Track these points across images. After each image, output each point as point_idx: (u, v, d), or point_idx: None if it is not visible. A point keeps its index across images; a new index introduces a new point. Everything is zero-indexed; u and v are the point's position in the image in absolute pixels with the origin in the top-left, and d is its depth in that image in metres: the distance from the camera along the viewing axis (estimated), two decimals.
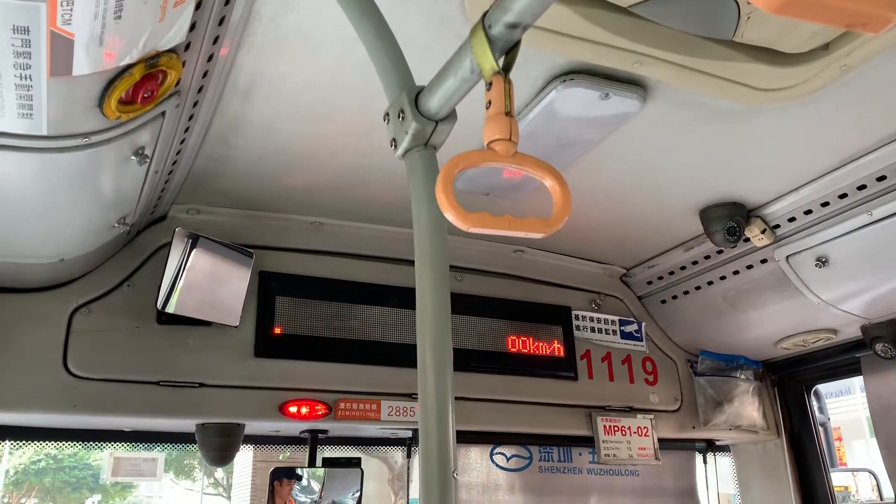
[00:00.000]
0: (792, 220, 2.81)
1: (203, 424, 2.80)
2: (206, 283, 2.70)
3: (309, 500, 3.10)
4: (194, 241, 2.67)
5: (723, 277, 3.23)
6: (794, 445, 3.72)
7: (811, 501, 3.61)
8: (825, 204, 2.69)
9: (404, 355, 2.99)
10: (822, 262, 2.82)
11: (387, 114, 1.52)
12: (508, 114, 1.36)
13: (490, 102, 1.34)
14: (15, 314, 2.51)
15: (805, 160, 2.54)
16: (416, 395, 2.92)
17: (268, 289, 2.90)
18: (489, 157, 1.49)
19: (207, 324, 2.74)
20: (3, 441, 2.92)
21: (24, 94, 1.50)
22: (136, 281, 2.71)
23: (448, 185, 1.42)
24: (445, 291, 1.42)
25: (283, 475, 3.07)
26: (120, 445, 3.20)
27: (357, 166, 2.58)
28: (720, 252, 3.16)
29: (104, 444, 3.17)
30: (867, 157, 2.44)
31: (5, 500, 26.98)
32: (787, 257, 2.91)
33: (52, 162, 1.73)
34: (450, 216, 1.39)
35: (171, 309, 2.60)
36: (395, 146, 1.54)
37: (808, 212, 2.75)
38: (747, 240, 2.93)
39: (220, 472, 26.38)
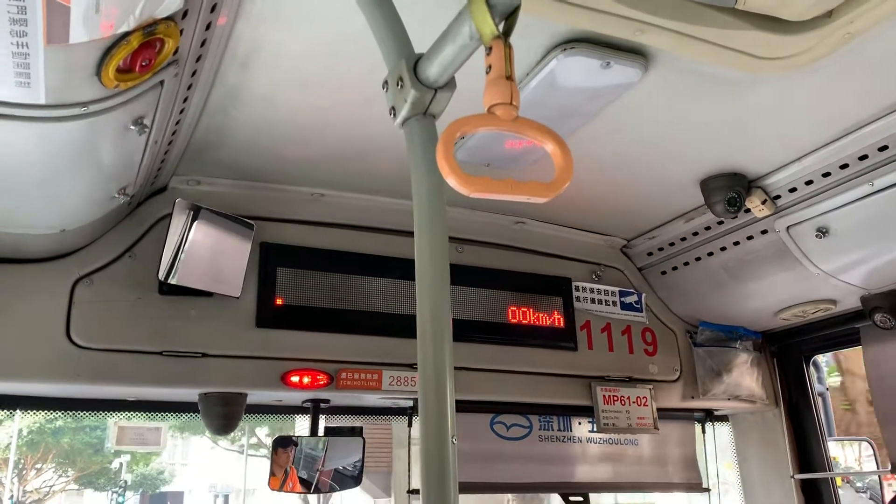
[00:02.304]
0: (793, 190, 2.81)
1: (206, 394, 2.83)
2: (208, 253, 2.71)
3: (312, 468, 3.14)
4: (195, 212, 2.67)
5: (723, 248, 3.24)
6: (792, 415, 3.75)
7: (808, 470, 3.65)
8: (826, 174, 2.68)
9: (405, 326, 3.01)
10: (822, 232, 2.82)
11: (385, 82, 1.51)
12: (509, 78, 1.35)
13: (490, 67, 1.34)
14: (17, 285, 2.52)
15: (807, 130, 2.53)
16: (417, 365, 2.95)
17: (269, 260, 2.91)
18: (490, 122, 1.48)
19: (209, 295, 2.75)
20: (10, 410, 2.95)
21: (21, 63, 1.49)
22: (138, 252, 2.72)
23: (449, 150, 1.41)
24: (444, 260, 1.43)
25: (284, 443, 3.11)
26: (124, 415, 3.24)
27: (357, 137, 2.57)
28: (720, 223, 3.16)
29: (108, 414, 3.20)
30: (869, 126, 2.43)
31: (20, 465, 26.29)
32: (788, 228, 2.91)
33: (51, 131, 1.73)
34: (452, 181, 1.39)
35: (173, 280, 2.61)
36: (394, 115, 1.53)
37: (809, 182, 2.74)
38: (748, 210, 2.93)
39: (263, 432, 26.10)
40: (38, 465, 26.96)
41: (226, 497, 27.40)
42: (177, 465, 32.85)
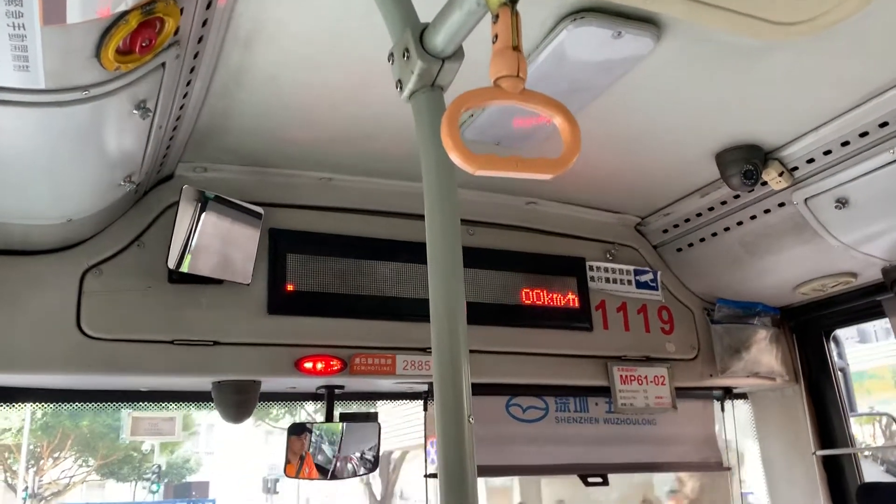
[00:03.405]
0: (811, 161, 2.74)
1: (219, 382, 2.81)
2: (217, 241, 2.69)
3: (327, 455, 3.12)
4: (203, 199, 2.65)
5: (739, 223, 3.18)
6: (813, 391, 3.70)
7: (830, 446, 3.60)
8: (845, 143, 2.61)
9: (418, 310, 2.97)
10: (841, 203, 2.75)
11: (391, 54, 1.47)
12: (516, 48, 1.30)
13: (496, 36, 1.29)
14: (26, 276, 2.50)
15: (825, 98, 2.47)
16: (430, 349, 2.92)
17: (278, 246, 2.88)
18: (496, 95, 1.44)
19: (219, 282, 2.73)
20: (23, 403, 2.95)
21: (18, 45, 1.46)
22: (146, 241, 2.70)
23: (454, 126, 1.37)
24: (456, 237, 1.39)
25: (298, 431, 3.09)
26: (137, 405, 3.23)
27: (364, 117, 2.53)
28: (737, 197, 3.10)
29: (121, 405, 3.20)
30: (889, 92, 2.36)
31: (37, 452, 24.82)
32: (806, 200, 2.85)
33: (52, 117, 1.70)
34: (455, 158, 1.35)
35: (184, 268, 2.59)
36: (401, 88, 1.49)
37: (828, 152, 2.68)
38: (764, 183, 2.86)
39: (312, 407, 25.63)
40: (56, 454, 25.51)
41: (275, 481, 26.92)
42: (202, 454, 31.99)
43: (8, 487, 25.13)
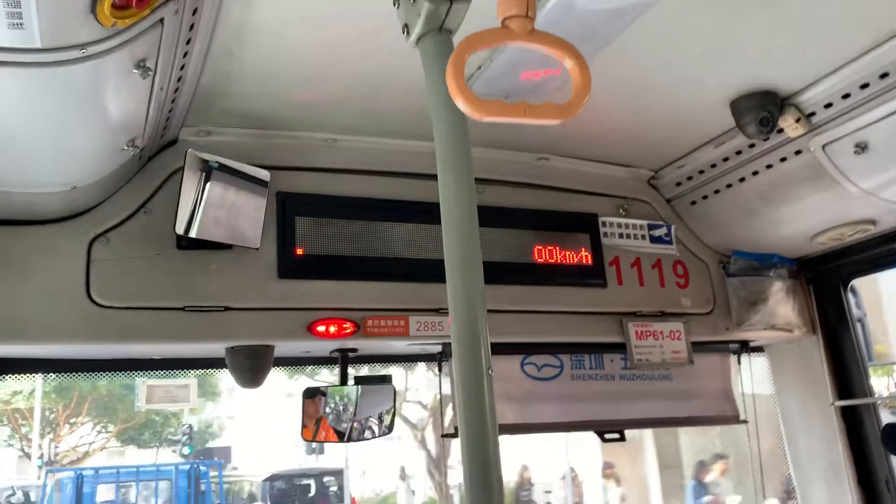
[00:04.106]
0: (828, 105, 2.67)
1: (232, 348, 2.80)
2: (225, 205, 2.65)
3: (344, 418, 3.12)
4: (207, 168, 2.60)
5: (755, 173, 3.11)
6: (830, 342, 3.65)
7: (848, 397, 3.57)
8: (865, 86, 2.54)
9: (429, 271, 2.94)
10: (860, 148, 2.68)
11: None
12: None
13: None
14: (33, 246, 2.48)
15: (842, 38, 2.39)
16: (444, 310, 2.89)
17: (286, 209, 2.85)
18: (504, 36, 1.39)
19: (228, 247, 2.70)
20: (35, 374, 2.95)
21: (11, 2, 1.42)
22: (153, 207, 2.66)
23: (459, 71, 1.32)
24: (469, 180, 1.35)
25: (312, 394, 3.08)
26: (151, 374, 3.23)
27: (368, 73, 2.48)
28: (752, 146, 3.03)
29: (135, 374, 3.19)
30: None
31: (50, 418, 23.88)
32: (824, 146, 2.78)
33: (50, 77, 1.66)
34: (461, 104, 1.30)
35: (192, 233, 2.56)
36: (408, 32, 1.44)
37: (847, 95, 2.60)
38: (780, 130, 2.80)
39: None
40: (73, 420, 24.39)
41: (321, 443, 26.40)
42: (223, 418, 30.75)
43: (24, 456, 24.65)
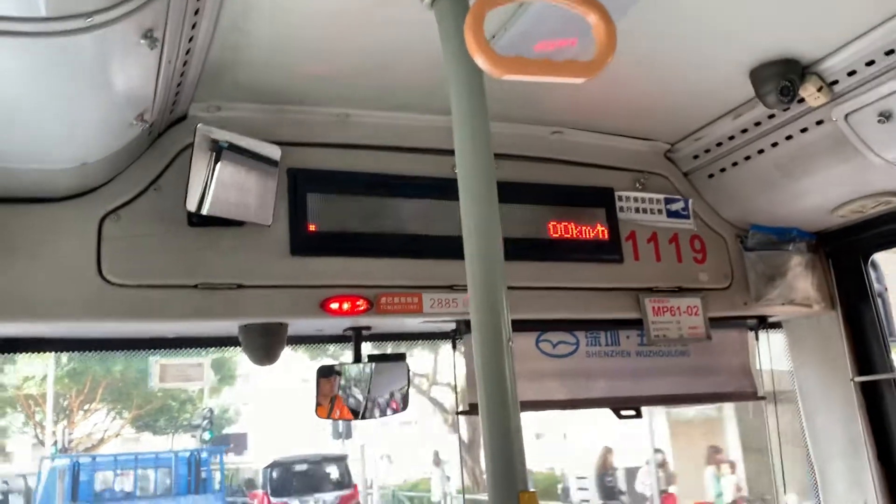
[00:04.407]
0: (852, 73, 2.60)
1: (245, 326, 2.78)
2: (235, 182, 2.62)
3: (358, 396, 3.10)
4: (217, 147, 2.56)
5: (774, 144, 3.05)
6: (850, 317, 3.60)
7: (868, 373, 3.52)
8: (890, 52, 2.46)
9: (444, 247, 2.90)
10: (884, 117, 2.61)
11: None
12: None
13: None
14: (44, 224, 2.46)
15: (867, 4, 2.32)
16: (458, 287, 2.85)
17: (297, 186, 2.81)
18: None
19: (239, 224, 2.67)
20: (47, 352, 2.95)
21: None
22: (163, 184, 2.64)
23: (478, 26, 1.27)
24: (487, 145, 1.31)
25: (327, 373, 3.07)
26: (163, 352, 3.22)
27: (378, 47, 2.43)
28: (771, 117, 2.96)
29: (146, 352, 3.18)
30: None
31: (63, 404, 23.27)
32: (846, 116, 2.71)
33: (56, 48, 1.62)
34: (481, 61, 1.26)
35: (204, 210, 2.53)
36: None
37: (871, 63, 2.53)
38: (801, 100, 2.73)
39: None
40: (87, 406, 23.73)
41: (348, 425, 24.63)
42: (238, 405, 30.13)
43: (38, 443, 24.33)
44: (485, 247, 1.30)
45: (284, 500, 19.89)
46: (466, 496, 19.38)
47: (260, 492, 20.63)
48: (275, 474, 20.58)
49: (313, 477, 20.90)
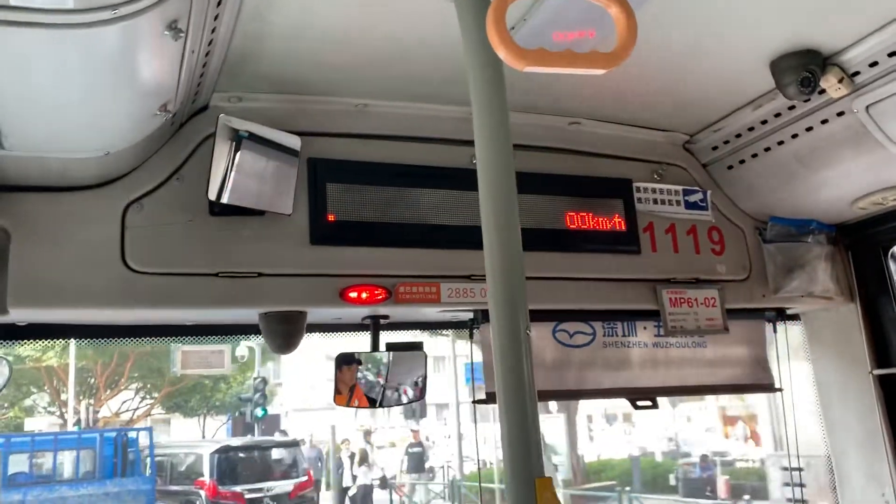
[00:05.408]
0: (874, 64, 2.58)
1: (266, 314, 2.81)
2: (256, 172, 2.65)
3: (375, 384, 3.14)
4: (237, 138, 2.59)
5: (794, 136, 3.03)
6: (869, 310, 3.58)
7: (888, 365, 3.50)
8: None
9: (462, 237, 2.92)
10: None
11: None
12: None
13: None
14: (69, 213, 2.51)
15: None
16: (476, 276, 2.88)
17: (317, 175, 2.84)
18: None
19: (260, 213, 2.71)
20: (70, 339, 3.00)
21: None
22: (185, 174, 2.67)
23: (501, 19, 1.29)
24: (506, 135, 1.33)
25: (347, 361, 3.10)
26: (184, 339, 3.27)
27: (397, 37, 2.45)
28: (791, 108, 2.95)
29: (168, 339, 3.23)
30: None
31: (90, 381, 21.84)
32: (867, 107, 2.69)
33: (83, 39, 1.66)
34: (503, 54, 1.27)
35: (225, 199, 2.56)
36: None
37: (893, 54, 2.51)
38: (822, 91, 2.71)
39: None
40: (115, 381, 21.97)
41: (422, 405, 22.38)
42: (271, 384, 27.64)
43: (62, 423, 23.17)
44: (504, 238, 1.32)
45: (233, 488, 18.55)
46: (483, 485, 19.28)
47: (207, 480, 18.68)
48: (222, 461, 18.95)
49: (264, 464, 19.76)
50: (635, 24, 1.24)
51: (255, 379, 21.04)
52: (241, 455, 19.56)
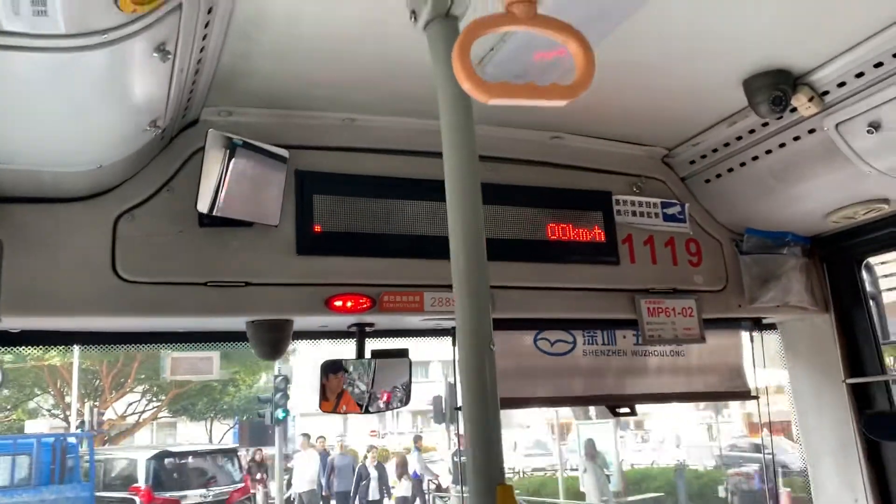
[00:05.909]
0: (842, 84, 2.67)
1: (253, 322, 2.89)
2: (244, 184, 2.72)
3: (361, 390, 3.20)
4: (231, 145, 2.67)
5: (768, 151, 3.12)
6: (843, 320, 3.67)
7: (861, 374, 3.59)
8: (878, 64, 2.54)
9: (444, 248, 2.97)
10: (874, 128, 2.69)
11: None
12: None
13: None
14: (61, 223, 2.58)
15: (857, 17, 2.39)
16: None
17: (304, 187, 2.91)
18: (507, 21, 1.43)
19: (248, 225, 2.78)
20: (67, 345, 3.07)
21: None
22: (175, 186, 2.74)
23: (465, 55, 1.37)
24: (473, 159, 1.40)
25: (333, 369, 3.17)
26: (174, 346, 3.34)
27: (384, 55, 2.52)
28: (765, 125, 3.04)
29: (159, 346, 3.31)
30: None
31: (95, 383, 21.45)
32: (837, 125, 2.79)
33: (74, 62, 1.73)
34: (467, 87, 1.35)
35: (216, 212, 2.63)
36: (415, 18, 1.49)
37: (860, 74, 2.61)
38: (794, 109, 2.80)
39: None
40: (121, 382, 21.16)
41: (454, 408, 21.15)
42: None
43: (66, 427, 22.61)
44: (469, 251, 1.40)
45: (169, 495, 18.38)
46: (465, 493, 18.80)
47: (142, 486, 18.40)
48: (158, 467, 18.89)
49: (201, 470, 19.61)
50: (593, 60, 1.33)
51: (276, 377, 19.31)
52: (178, 461, 19.46)
